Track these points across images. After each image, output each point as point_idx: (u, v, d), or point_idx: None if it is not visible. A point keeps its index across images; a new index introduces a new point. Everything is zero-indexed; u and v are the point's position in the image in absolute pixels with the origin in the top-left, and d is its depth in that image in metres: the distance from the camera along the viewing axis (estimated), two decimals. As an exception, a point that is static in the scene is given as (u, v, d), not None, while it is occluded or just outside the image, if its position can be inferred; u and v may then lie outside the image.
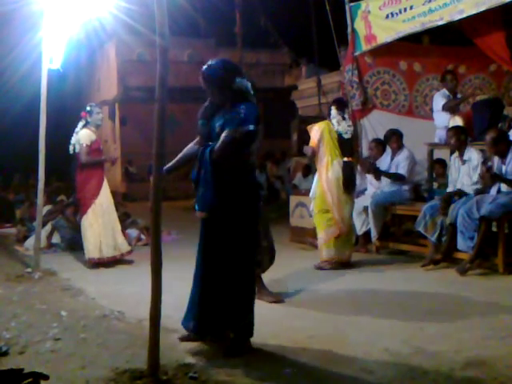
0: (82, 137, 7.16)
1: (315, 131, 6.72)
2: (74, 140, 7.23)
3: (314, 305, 4.96)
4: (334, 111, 6.68)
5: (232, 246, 3.79)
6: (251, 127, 3.71)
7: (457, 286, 5.48)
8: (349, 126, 6.67)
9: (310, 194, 6.87)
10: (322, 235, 6.65)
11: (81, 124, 7.23)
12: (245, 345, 3.87)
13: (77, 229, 8.53)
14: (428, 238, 6.45)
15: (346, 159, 6.55)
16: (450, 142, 6.71)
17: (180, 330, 4.13)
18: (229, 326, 3.87)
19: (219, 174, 3.75)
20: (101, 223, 7.14)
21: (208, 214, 3.83)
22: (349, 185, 6.56)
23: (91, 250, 7.04)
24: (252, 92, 3.93)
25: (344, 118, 6.64)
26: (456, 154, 6.68)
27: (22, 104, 16.47)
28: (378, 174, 7.54)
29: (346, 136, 6.64)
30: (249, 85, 3.91)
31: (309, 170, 11.42)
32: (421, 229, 6.51)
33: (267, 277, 5.19)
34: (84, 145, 7.10)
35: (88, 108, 7.29)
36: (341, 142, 6.60)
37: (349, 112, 7.27)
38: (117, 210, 7.90)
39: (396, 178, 7.37)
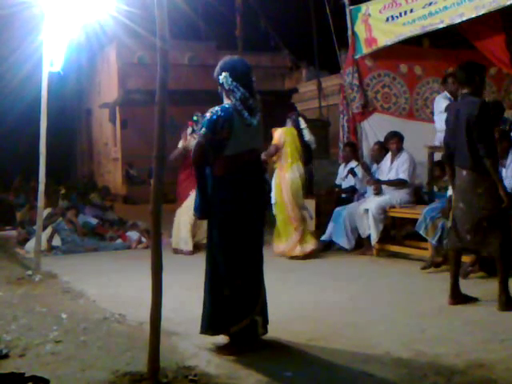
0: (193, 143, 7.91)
1: (279, 133, 7.40)
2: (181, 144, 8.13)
3: (313, 308, 4.96)
4: (302, 122, 7.92)
5: (221, 245, 3.84)
6: (202, 130, 3.81)
7: (457, 288, 5.47)
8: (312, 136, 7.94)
9: (272, 200, 7.20)
10: (293, 239, 7.23)
11: (189, 131, 8.05)
12: (243, 344, 3.86)
13: (77, 231, 8.55)
14: (429, 240, 6.44)
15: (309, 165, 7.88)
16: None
17: (180, 332, 4.14)
18: (230, 323, 3.85)
19: (202, 177, 3.87)
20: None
21: (199, 216, 4.05)
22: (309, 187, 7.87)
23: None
24: (237, 92, 3.84)
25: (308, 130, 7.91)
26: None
27: (22, 107, 16.48)
28: (379, 184, 7.48)
29: (313, 146, 8.00)
30: (229, 81, 3.84)
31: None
32: (421, 231, 6.49)
33: (267, 278, 5.17)
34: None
35: (195, 118, 7.95)
36: (309, 151, 7.78)
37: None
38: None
39: (398, 183, 7.34)
